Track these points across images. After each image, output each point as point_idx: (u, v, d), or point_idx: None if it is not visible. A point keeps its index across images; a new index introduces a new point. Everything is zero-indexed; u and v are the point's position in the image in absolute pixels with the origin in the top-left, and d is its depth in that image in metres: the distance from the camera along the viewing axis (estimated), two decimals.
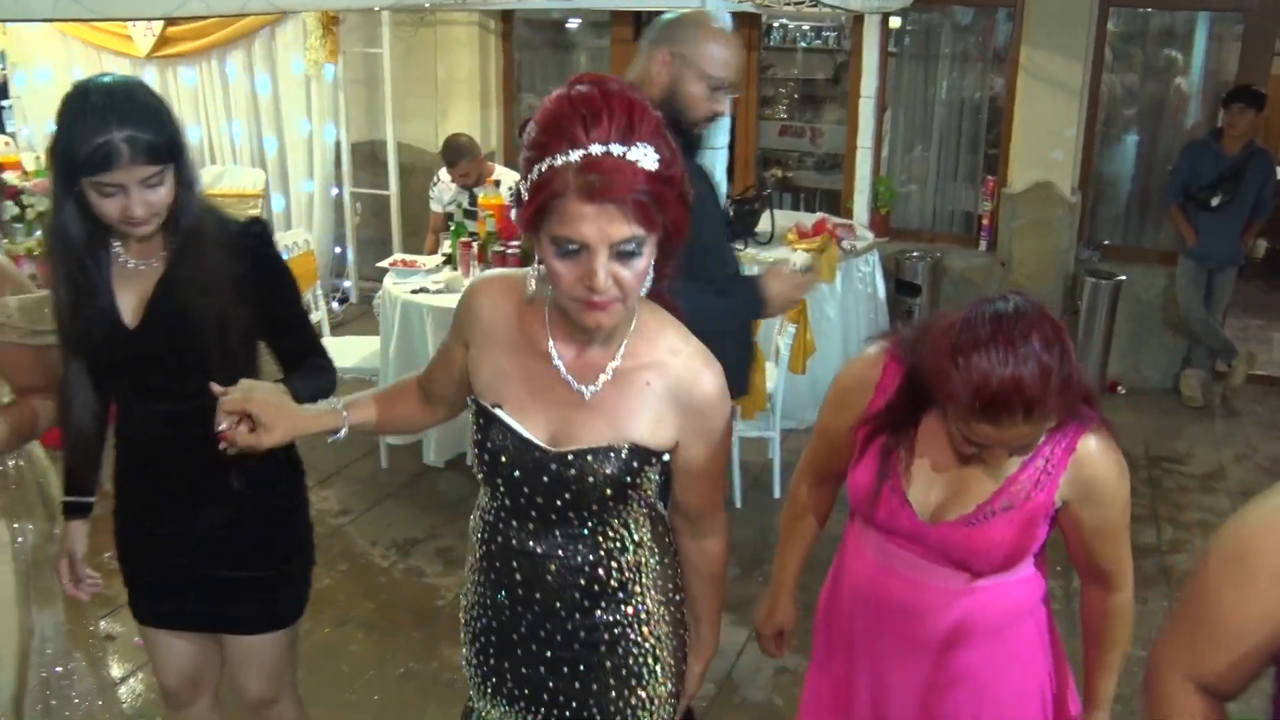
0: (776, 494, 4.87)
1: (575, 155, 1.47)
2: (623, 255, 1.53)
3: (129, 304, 2.14)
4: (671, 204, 1.54)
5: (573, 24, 8.07)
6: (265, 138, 7.69)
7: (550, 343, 1.75)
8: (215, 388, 1.81)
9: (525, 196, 1.54)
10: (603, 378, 1.73)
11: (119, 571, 2.41)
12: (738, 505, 4.72)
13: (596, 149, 1.47)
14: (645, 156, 1.49)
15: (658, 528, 1.91)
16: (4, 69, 8.78)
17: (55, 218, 2.06)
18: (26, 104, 8.74)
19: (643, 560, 1.87)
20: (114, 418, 2.30)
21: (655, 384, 1.74)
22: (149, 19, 6.85)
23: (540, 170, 1.50)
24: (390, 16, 7.21)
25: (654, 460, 1.78)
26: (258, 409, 1.79)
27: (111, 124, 1.91)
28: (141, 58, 7.72)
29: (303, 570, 2.44)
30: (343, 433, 1.94)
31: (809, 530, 2.27)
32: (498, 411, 1.77)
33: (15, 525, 2.35)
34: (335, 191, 7.62)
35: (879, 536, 2.03)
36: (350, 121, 7.49)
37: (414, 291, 4.75)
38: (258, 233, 2.20)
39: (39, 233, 5.44)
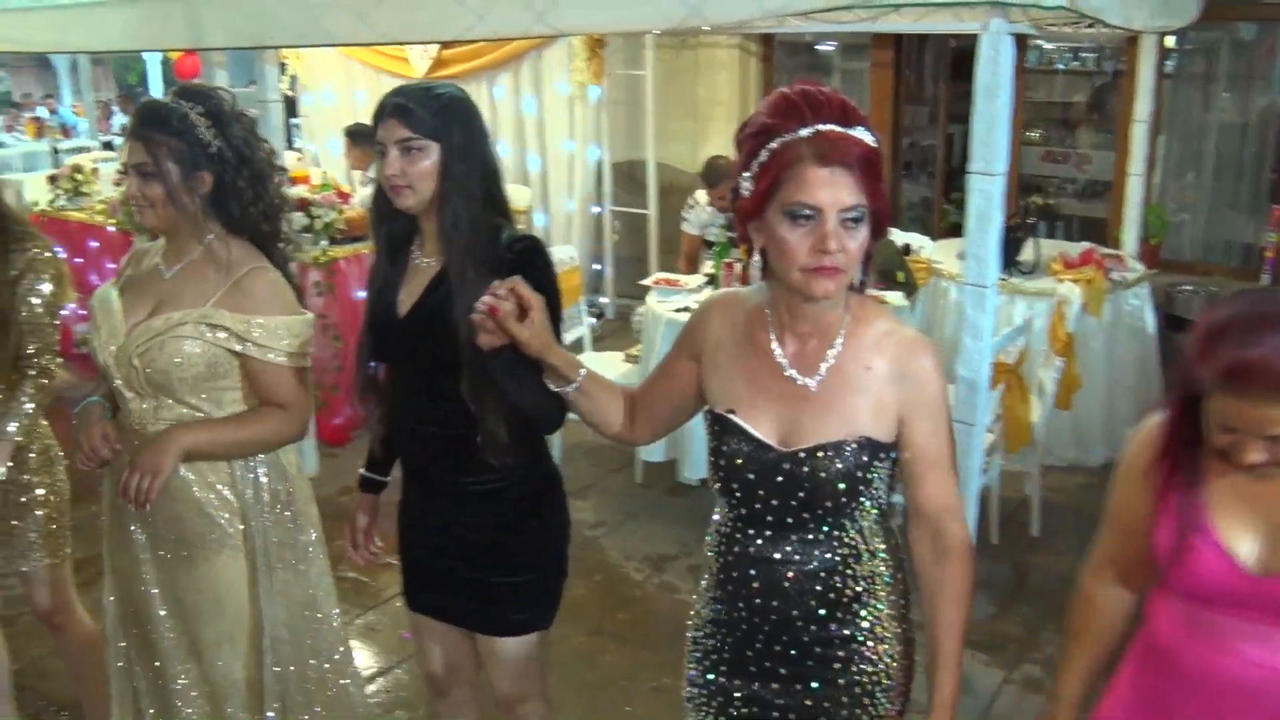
0: (1034, 531, 4.72)
1: (806, 130, 1.68)
2: (849, 223, 1.69)
3: (406, 297, 2.30)
4: (881, 184, 1.73)
5: (827, 47, 8.05)
6: (529, 156, 8.00)
7: (772, 339, 1.86)
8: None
9: (750, 183, 1.73)
10: (824, 366, 1.81)
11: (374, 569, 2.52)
12: (993, 540, 4.60)
13: (823, 125, 1.67)
14: (865, 135, 1.70)
15: (891, 540, 1.92)
16: (294, 90, 9.45)
17: (371, 215, 2.35)
18: (313, 123, 9.39)
19: (876, 572, 1.88)
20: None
21: (874, 367, 1.81)
22: (437, 42, 7.22)
23: (771, 148, 1.69)
24: (654, 39, 7.39)
25: (883, 455, 1.82)
26: (534, 306, 1.88)
27: (395, 93, 2.21)
28: (417, 79, 8.18)
29: (554, 579, 2.50)
30: (570, 388, 1.98)
31: (1102, 638, 1.98)
32: (731, 416, 1.85)
33: (253, 523, 2.46)
34: (595, 210, 7.86)
35: (1194, 607, 1.75)
36: (612, 141, 7.70)
37: (677, 310, 4.83)
38: (531, 244, 2.26)
39: (324, 243, 5.81)
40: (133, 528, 2.46)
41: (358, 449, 3.11)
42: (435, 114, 2.17)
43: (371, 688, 3.69)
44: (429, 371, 2.30)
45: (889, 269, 5.17)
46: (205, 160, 2.31)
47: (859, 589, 1.86)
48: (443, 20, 3.77)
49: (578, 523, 4.71)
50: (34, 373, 2.78)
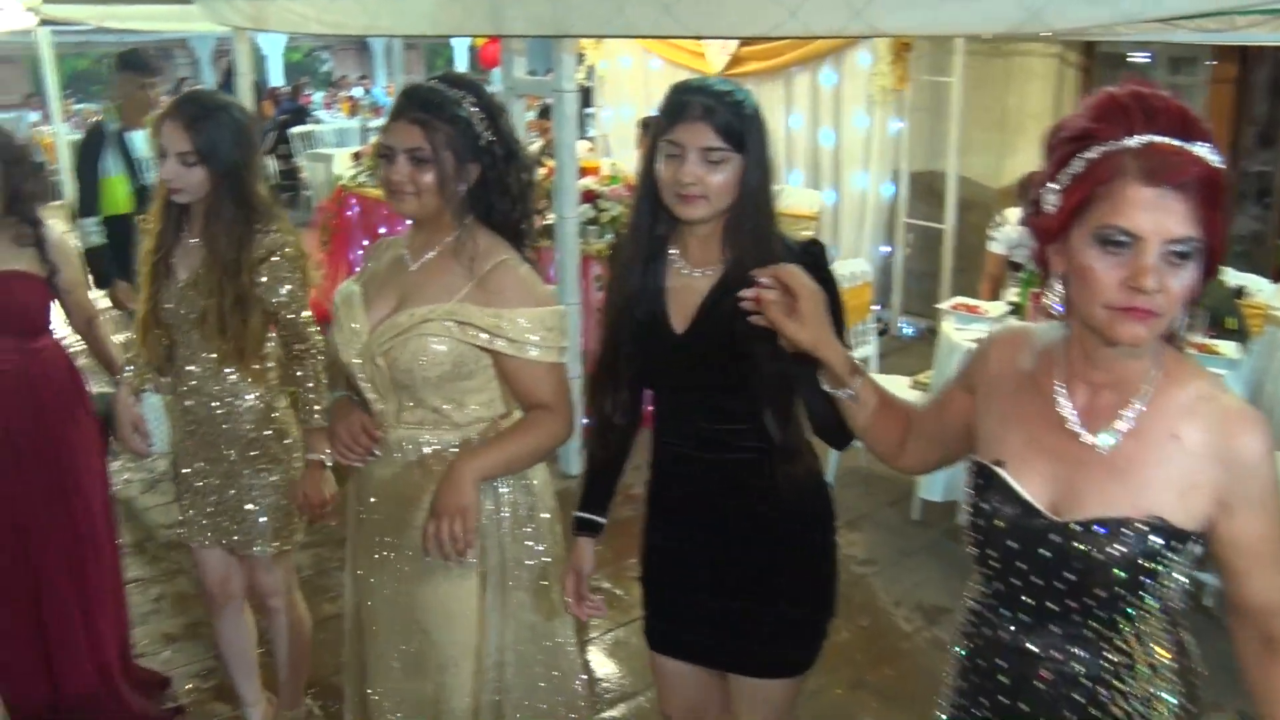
0: None
1: (1134, 140, 1.38)
2: (1174, 258, 1.37)
3: (679, 310, 2.12)
4: (1221, 214, 1.39)
5: (1141, 58, 7.32)
6: (821, 129, 7.69)
7: (1059, 386, 1.55)
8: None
9: (1057, 197, 1.44)
10: (1119, 425, 1.49)
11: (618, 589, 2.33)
12: None
13: (1157, 137, 1.37)
14: (1208, 153, 1.38)
15: (1183, 658, 1.58)
16: (590, 80, 9.48)
17: (632, 216, 2.17)
18: (607, 88, 9.34)
19: (1154, 695, 1.52)
20: (651, 426, 2.26)
21: (1184, 437, 1.47)
22: (744, 37, 7.01)
23: (1088, 157, 1.40)
24: (964, 45, 6.92)
25: (1182, 544, 1.48)
26: (804, 294, 1.75)
27: (698, 91, 2.01)
28: (713, 75, 8.00)
29: (822, 619, 2.27)
30: (844, 394, 1.82)
31: None
32: (998, 470, 1.57)
33: (489, 540, 2.31)
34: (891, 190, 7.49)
35: None
36: (911, 150, 7.29)
37: (975, 340, 4.41)
38: (816, 254, 2.08)
39: (609, 236, 5.71)
40: (378, 537, 2.37)
41: None
42: (743, 123, 2.00)
43: (612, 713, 3.50)
44: (708, 390, 2.12)
45: (1218, 314, 4.58)
46: (476, 152, 2.18)
47: (1129, 710, 1.52)
48: (751, 15, 3.55)
49: (846, 557, 4.43)
50: (313, 368, 2.77)
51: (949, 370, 4.34)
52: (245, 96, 7.42)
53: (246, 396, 2.81)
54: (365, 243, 7.15)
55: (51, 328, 3.12)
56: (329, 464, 2.69)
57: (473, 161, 2.18)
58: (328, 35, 7.20)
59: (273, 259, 2.69)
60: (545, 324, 2.19)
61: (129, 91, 5.05)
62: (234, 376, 2.78)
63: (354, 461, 2.30)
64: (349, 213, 7.46)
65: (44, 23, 11.44)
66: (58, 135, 12.78)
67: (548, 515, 2.42)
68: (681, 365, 2.13)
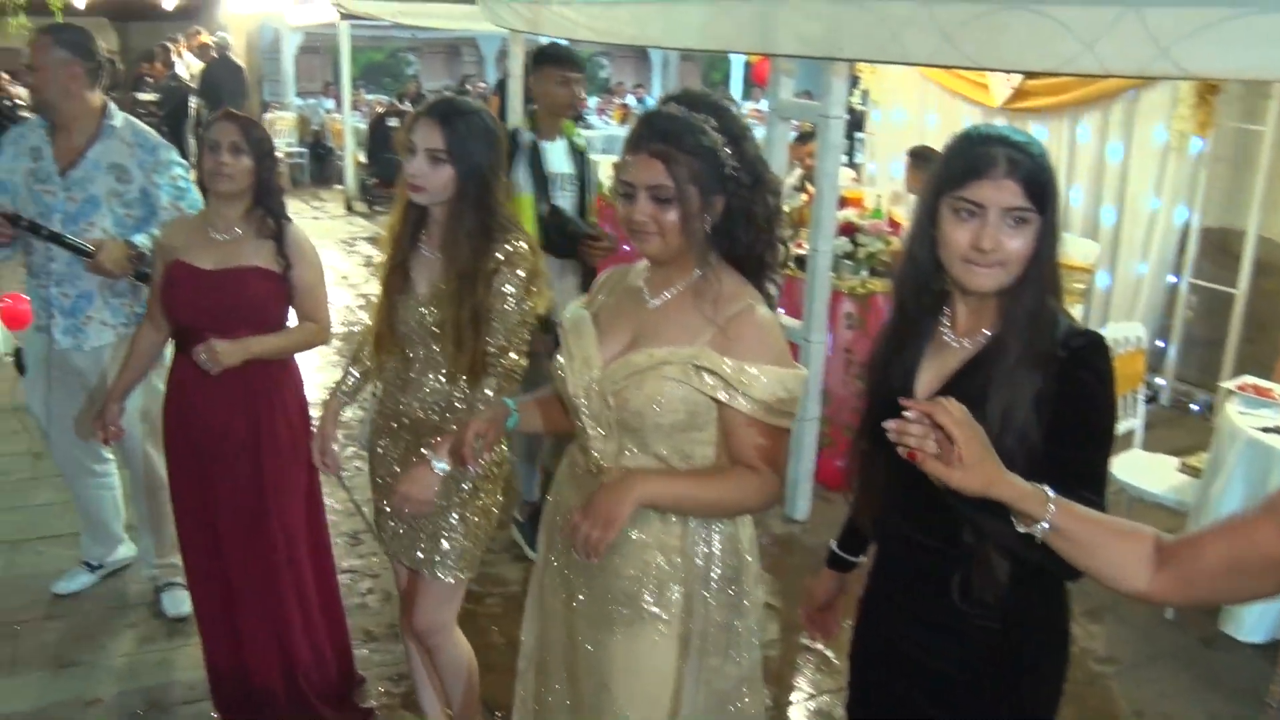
0: None
1: None
2: None
3: (928, 378, 1.92)
4: None
5: None
6: (1104, 208, 7.15)
7: None
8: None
9: None
10: None
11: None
12: None
13: None
14: None
15: None
16: (864, 105, 9.18)
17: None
18: (877, 141, 9.06)
19: None
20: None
21: None
22: (1032, 72, 6.57)
23: None
24: None
25: None
26: (962, 435, 1.51)
27: (999, 142, 1.77)
28: (994, 108, 7.57)
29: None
30: (1037, 529, 1.55)
31: None
32: None
33: (696, 599, 2.13)
34: (1172, 280, 6.85)
35: None
36: (1206, 203, 6.65)
37: (1266, 430, 3.91)
38: (1092, 343, 1.80)
39: (864, 273, 5.43)
40: (568, 572, 2.23)
41: None
42: (1046, 179, 1.78)
43: None
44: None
45: None
46: (721, 182, 2.00)
47: None
48: (1041, 48, 3.21)
49: (1083, 651, 4.01)
50: (498, 371, 2.66)
51: (1230, 459, 3.88)
52: (517, 98, 7.53)
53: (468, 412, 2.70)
54: (625, 248, 7.09)
55: (286, 326, 3.12)
56: (440, 469, 2.53)
57: (717, 194, 2.00)
58: (599, 42, 7.19)
59: (504, 269, 2.60)
60: (785, 386, 2.01)
61: (548, 90, 4.28)
62: (463, 392, 2.70)
63: (469, 465, 2.23)
64: (606, 223, 7.42)
65: (344, 17, 12.09)
66: (345, 122, 13.46)
67: (753, 580, 2.23)
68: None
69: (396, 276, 2.70)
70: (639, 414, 2.03)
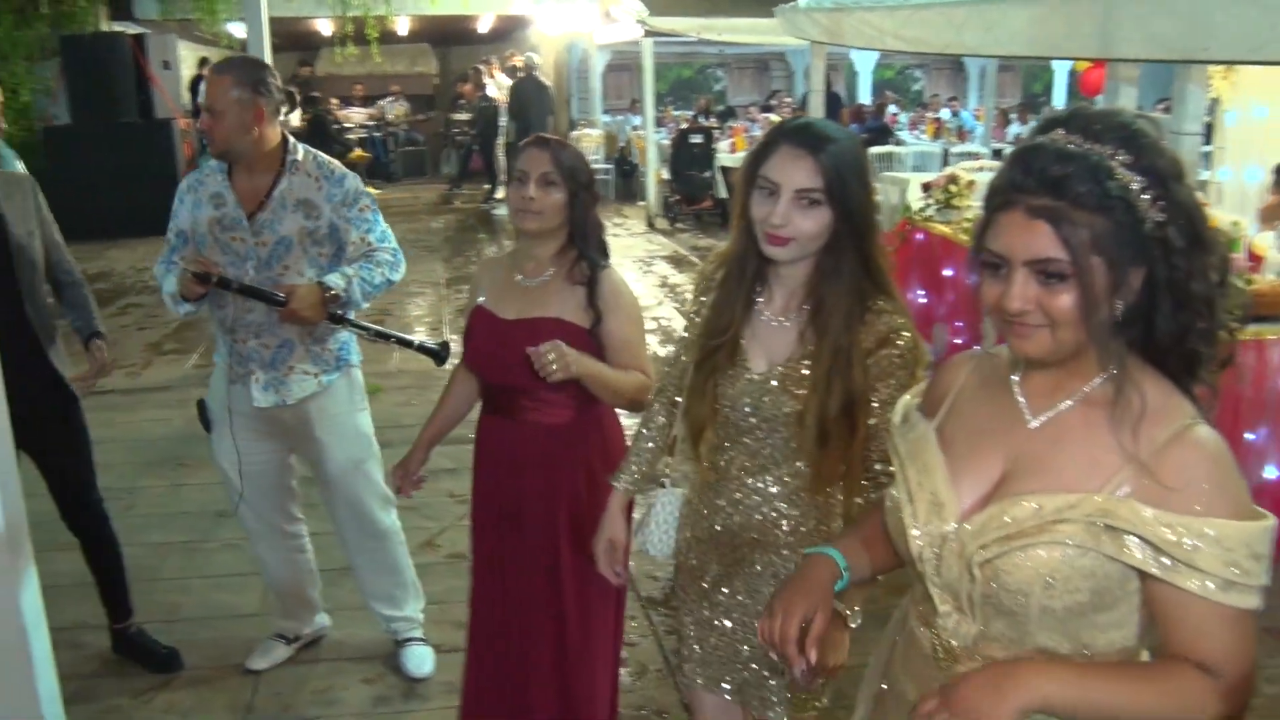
0: None
1: None
2: None
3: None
4: None
5: None
6: None
7: None
8: None
9: None
10: None
11: None
12: None
13: None
14: None
15: None
16: (1210, 116, 8.08)
17: None
18: (1230, 142, 7.92)
19: None
20: None
21: None
22: None
23: None
24: None
25: None
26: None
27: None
28: None
29: None
30: None
31: None
32: None
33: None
34: None
35: None
36: None
37: None
38: None
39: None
40: None
41: None
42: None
43: None
44: None
45: None
46: (1140, 248, 1.35)
47: None
48: None
49: None
50: (876, 481, 2.05)
51: None
52: (817, 111, 7.06)
53: (802, 520, 2.13)
54: (947, 272, 6.42)
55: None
56: (855, 624, 1.96)
57: (1134, 264, 1.36)
58: (906, 52, 6.61)
59: (884, 350, 1.99)
60: (1250, 547, 1.33)
61: None
62: (803, 503, 2.11)
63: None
64: (911, 248, 6.80)
65: (648, 34, 11.99)
66: (649, 138, 13.36)
67: None
68: None
69: (725, 350, 2.09)
70: (1020, 594, 1.40)
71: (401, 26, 16.12)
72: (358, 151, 16.56)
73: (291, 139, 3.17)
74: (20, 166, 8.43)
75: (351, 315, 3.12)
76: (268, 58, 6.35)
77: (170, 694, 3.36)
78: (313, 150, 3.21)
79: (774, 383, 2.03)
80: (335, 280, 3.01)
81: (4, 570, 2.12)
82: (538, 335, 2.48)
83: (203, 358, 7.15)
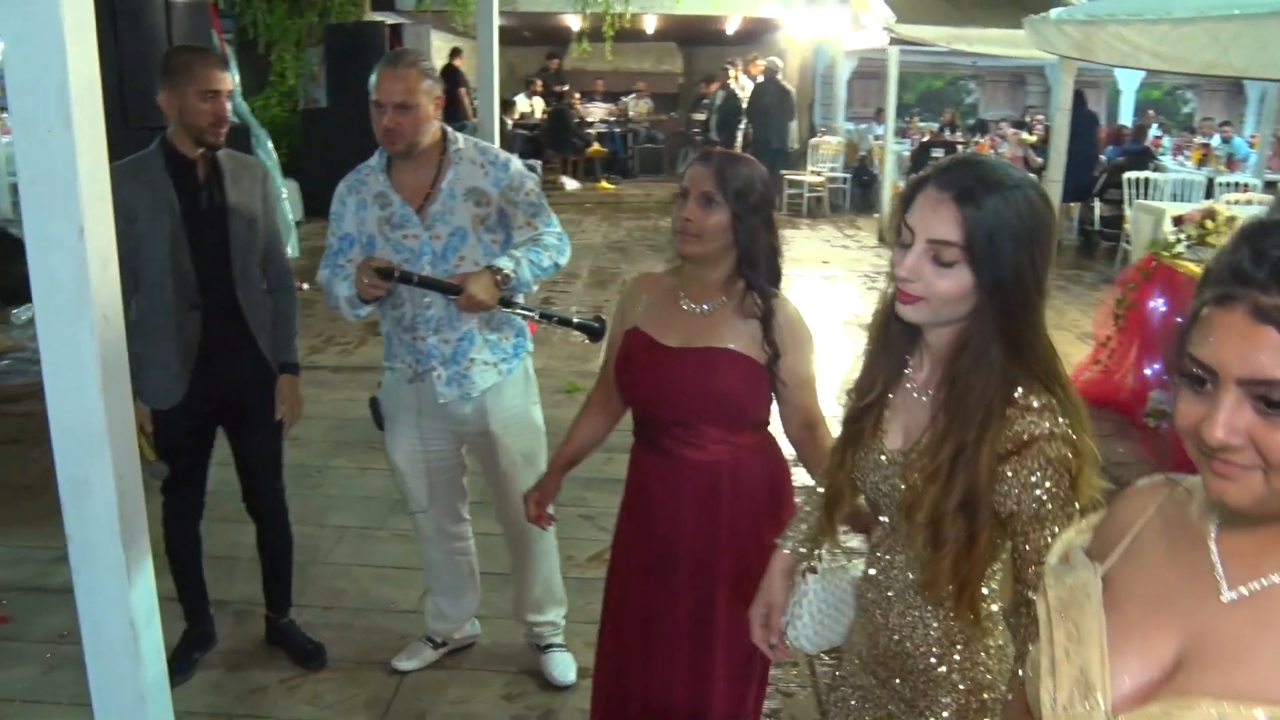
0: None
1: None
2: None
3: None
4: None
5: None
6: None
7: None
8: None
9: None
10: None
11: None
12: None
13: None
14: None
15: None
16: None
17: None
18: None
19: None
20: None
21: None
22: None
23: None
24: None
25: None
26: None
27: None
28: None
29: None
30: None
31: None
32: None
33: None
34: None
35: None
36: None
37: None
38: None
39: None
40: None
41: None
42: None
43: None
44: None
45: None
46: None
47: None
48: None
49: None
50: (1017, 614, 1.71)
51: None
52: (1062, 133, 6.61)
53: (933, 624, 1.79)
54: (1175, 317, 5.87)
55: (767, 424, 2.47)
56: None
57: None
58: (1165, 71, 6.08)
59: (1022, 458, 1.61)
60: None
61: None
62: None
63: None
64: (1155, 285, 6.26)
65: (893, 42, 11.63)
66: (888, 149, 12.99)
67: None
68: None
69: (868, 416, 1.81)
70: None
71: (649, 24, 16.22)
72: (595, 146, 16.81)
73: (449, 128, 3.08)
74: (269, 146, 8.89)
75: (520, 299, 3.04)
76: (495, 50, 6.40)
77: (315, 684, 3.37)
78: (472, 138, 3.13)
79: (899, 464, 1.73)
80: (504, 262, 2.93)
81: (114, 566, 2.07)
82: (710, 367, 2.31)
83: None
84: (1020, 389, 1.61)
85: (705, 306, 2.38)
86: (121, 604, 2.11)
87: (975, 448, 1.61)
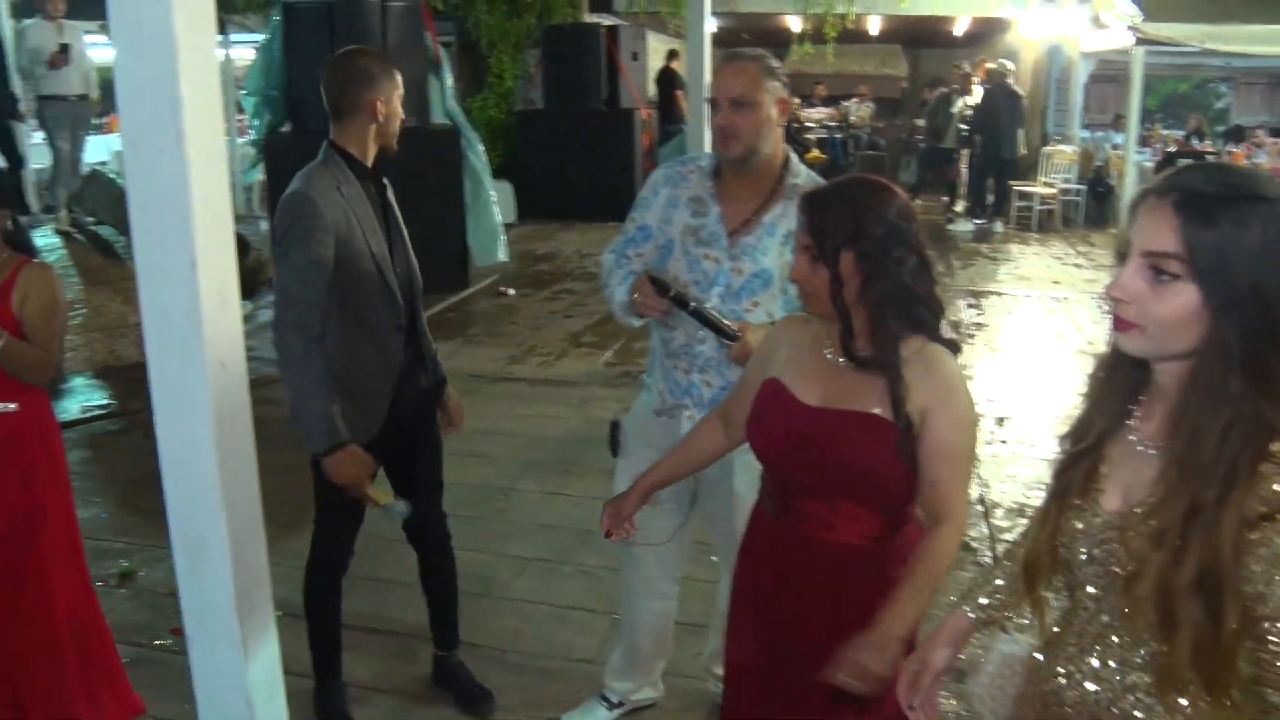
0: None
1: None
2: None
3: None
4: None
5: None
6: None
7: None
8: None
9: None
10: None
11: None
12: None
13: None
14: None
15: None
16: None
17: None
18: None
19: None
20: None
21: None
22: None
23: None
24: None
25: None
26: None
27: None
28: None
29: None
30: None
31: None
32: None
33: None
34: None
35: None
36: None
37: None
38: None
39: None
40: None
41: None
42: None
43: None
44: None
45: None
46: None
47: None
48: None
49: None
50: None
51: None
52: None
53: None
54: None
55: (908, 505, 2.07)
56: None
57: None
58: None
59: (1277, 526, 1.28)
60: None
61: None
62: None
63: None
64: None
65: (1139, 43, 10.81)
66: (1129, 159, 12.11)
67: None
68: None
69: (1078, 467, 1.53)
70: None
71: (873, 26, 15.67)
72: (814, 152, 16.35)
73: (794, 157, 2.71)
74: (480, 149, 8.83)
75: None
76: (706, 52, 6.10)
77: None
78: (813, 174, 2.73)
79: (1117, 528, 1.43)
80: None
81: (229, 638, 1.85)
82: (847, 436, 1.95)
83: (617, 355, 7.06)
84: (1268, 429, 1.28)
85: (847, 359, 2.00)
86: (238, 679, 1.88)
87: (1216, 509, 1.30)
